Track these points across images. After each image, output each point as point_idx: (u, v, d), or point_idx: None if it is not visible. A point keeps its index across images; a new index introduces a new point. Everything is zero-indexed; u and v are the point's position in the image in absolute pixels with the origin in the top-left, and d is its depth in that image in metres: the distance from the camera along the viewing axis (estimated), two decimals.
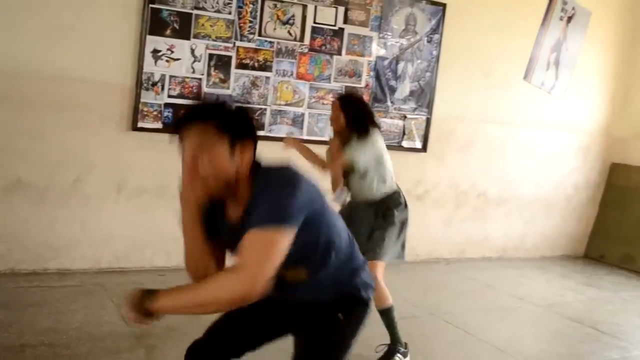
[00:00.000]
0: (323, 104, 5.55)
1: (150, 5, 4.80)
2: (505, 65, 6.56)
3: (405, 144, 6.05)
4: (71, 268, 4.77)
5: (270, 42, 5.28)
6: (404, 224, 4.08)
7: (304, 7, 5.38)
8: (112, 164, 4.85)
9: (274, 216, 1.84)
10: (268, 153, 5.65)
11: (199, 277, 2.10)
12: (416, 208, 6.20)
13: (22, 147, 4.53)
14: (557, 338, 4.77)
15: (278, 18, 5.28)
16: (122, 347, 3.61)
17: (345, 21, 5.58)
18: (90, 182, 4.78)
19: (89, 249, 4.83)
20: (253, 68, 5.24)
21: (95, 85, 4.72)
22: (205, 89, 5.07)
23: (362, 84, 5.73)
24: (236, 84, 5.19)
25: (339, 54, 5.57)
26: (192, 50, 5.00)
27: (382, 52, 5.81)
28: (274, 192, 1.90)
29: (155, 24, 4.84)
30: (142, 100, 4.87)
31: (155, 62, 4.88)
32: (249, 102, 5.24)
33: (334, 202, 3.88)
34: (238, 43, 5.15)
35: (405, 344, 3.92)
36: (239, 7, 5.12)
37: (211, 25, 5.04)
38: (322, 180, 2.71)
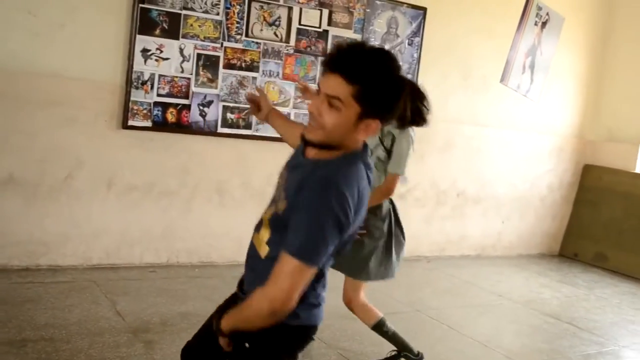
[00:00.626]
0: (308, 104, 5.63)
1: (140, 5, 4.86)
2: (483, 68, 6.75)
3: None
4: (62, 264, 4.80)
5: (257, 42, 5.37)
6: (389, 236, 3.56)
7: (290, 9, 5.48)
8: (102, 162, 4.89)
9: (305, 251, 1.81)
10: (255, 152, 5.78)
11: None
12: (398, 206, 6.36)
13: (14, 144, 4.55)
14: (537, 333, 4.93)
15: (264, 19, 5.38)
16: (121, 341, 3.67)
17: (330, 23, 5.69)
18: (81, 179, 4.81)
19: (80, 245, 4.87)
20: (240, 68, 5.32)
21: (86, 83, 4.77)
22: (193, 88, 5.14)
23: None
24: (224, 84, 5.26)
25: (324, 55, 5.68)
26: (181, 50, 5.07)
27: None
28: (313, 212, 1.82)
29: (144, 23, 4.90)
30: (132, 98, 4.92)
31: (145, 61, 4.94)
32: (235, 102, 5.32)
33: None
34: (226, 43, 5.23)
35: (419, 352, 3.68)
36: (227, 8, 5.20)
37: (199, 26, 5.11)
38: None
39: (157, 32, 4.96)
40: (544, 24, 7.12)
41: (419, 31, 6.21)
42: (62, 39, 4.66)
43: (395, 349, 3.71)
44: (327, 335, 4.18)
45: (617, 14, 7.58)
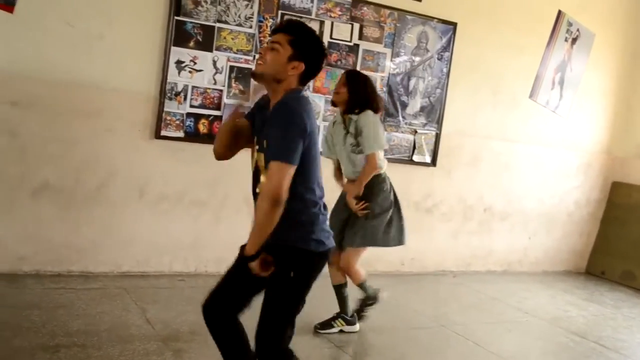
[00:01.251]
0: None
1: (175, 18, 4.95)
2: (512, 84, 6.75)
3: (415, 158, 6.20)
4: (94, 271, 4.90)
5: None
6: (390, 209, 4.33)
7: (322, 22, 5.55)
8: (135, 171, 4.97)
9: (282, 153, 2.51)
10: None
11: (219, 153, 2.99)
12: (424, 221, 6.40)
13: (51, 152, 4.65)
14: (563, 352, 4.90)
15: None
16: (151, 349, 3.72)
17: (360, 37, 5.75)
18: (114, 188, 4.90)
19: (111, 252, 4.95)
20: None
21: (122, 93, 4.86)
22: (225, 100, 5.21)
23: None
24: (256, 96, 5.31)
25: (354, 69, 5.73)
26: (214, 62, 5.14)
27: (395, 68, 5.98)
28: (284, 123, 2.55)
29: (179, 35, 4.99)
30: (165, 109, 5.00)
31: (179, 72, 5.03)
32: None
33: None
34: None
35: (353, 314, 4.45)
36: (260, 21, 5.28)
37: (232, 38, 5.19)
38: None
39: (192, 44, 5.05)
40: (574, 40, 7.11)
41: (448, 46, 6.23)
42: (99, 50, 4.76)
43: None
44: (353, 350, 4.20)
45: None
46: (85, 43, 4.71)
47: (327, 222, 2.78)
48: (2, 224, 4.59)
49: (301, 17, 5.43)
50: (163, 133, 5.02)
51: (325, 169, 2.96)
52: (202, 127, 5.16)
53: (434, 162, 6.34)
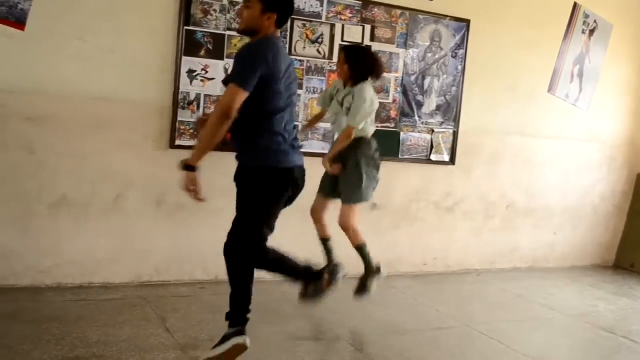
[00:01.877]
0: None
1: (185, 28, 4.98)
2: (530, 79, 6.67)
3: (433, 157, 6.15)
4: (114, 282, 4.92)
5: (300, 60, 5.43)
6: (375, 169, 4.80)
7: (332, 26, 5.53)
8: (152, 181, 5.00)
9: (236, 76, 3.20)
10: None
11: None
12: (446, 220, 6.35)
13: (66, 166, 4.70)
14: (592, 348, 4.81)
15: (307, 37, 5.44)
16: (170, 358, 3.71)
17: (372, 39, 5.72)
18: (131, 199, 4.93)
19: (131, 263, 4.98)
20: None
21: (135, 105, 4.90)
22: None
23: (390, 100, 5.86)
24: None
25: None
26: (226, 70, 5.15)
27: (409, 68, 5.94)
28: (244, 54, 3.25)
29: (190, 45, 5.01)
30: (179, 119, 5.03)
31: (191, 82, 5.05)
32: None
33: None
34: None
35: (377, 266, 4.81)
36: None
37: None
38: None
39: (202, 53, 5.07)
40: (591, 31, 7.00)
41: (462, 43, 6.18)
42: (111, 64, 4.80)
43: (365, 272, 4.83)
44: (374, 351, 4.16)
45: None
46: (96, 57, 4.75)
47: (292, 152, 3.51)
48: (22, 238, 4.64)
49: (312, 22, 5.43)
50: (178, 143, 5.04)
51: None
52: None
53: (452, 161, 6.28)
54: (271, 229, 3.63)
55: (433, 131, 6.14)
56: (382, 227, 5.95)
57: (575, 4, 6.80)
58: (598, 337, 5.00)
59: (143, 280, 5.04)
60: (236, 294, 3.70)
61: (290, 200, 3.67)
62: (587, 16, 6.91)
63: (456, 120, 6.25)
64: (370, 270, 4.79)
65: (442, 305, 5.23)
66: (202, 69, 5.08)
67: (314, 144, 5.57)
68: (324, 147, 5.58)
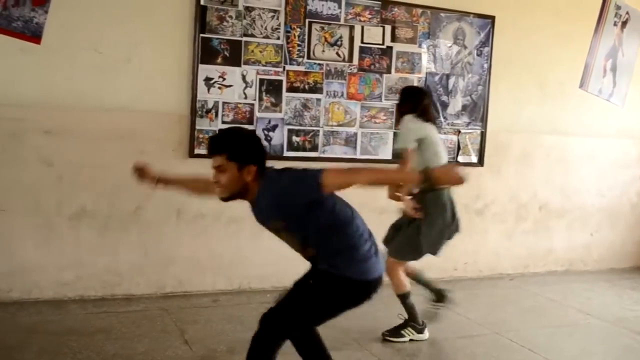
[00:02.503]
0: (375, 122, 5.56)
1: (201, 35, 4.93)
2: (560, 75, 6.46)
3: (460, 159, 5.99)
4: (136, 293, 4.90)
5: (320, 64, 5.34)
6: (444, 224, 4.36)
7: (351, 28, 5.43)
8: (171, 191, 4.94)
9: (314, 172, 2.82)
10: None
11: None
12: (476, 223, 6.17)
13: (86, 178, 4.70)
14: (628, 355, 4.58)
15: (326, 40, 5.35)
16: None
17: (393, 39, 5.60)
18: (151, 209, 4.90)
19: (153, 274, 4.95)
20: (304, 91, 5.30)
21: (152, 115, 4.87)
22: (257, 114, 5.16)
23: None
24: (288, 107, 5.26)
25: (389, 72, 5.59)
26: (243, 77, 5.10)
27: (432, 68, 5.81)
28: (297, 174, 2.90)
29: (206, 52, 4.97)
30: (197, 127, 4.99)
31: (208, 89, 5.00)
32: (300, 125, 5.30)
33: None
34: (288, 67, 5.23)
35: (423, 322, 4.39)
36: (287, 31, 5.21)
37: (260, 51, 5.14)
38: None
39: (219, 60, 5.02)
40: (624, 23, 6.76)
41: (487, 41, 6.01)
42: (128, 74, 4.79)
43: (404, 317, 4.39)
44: (398, 359, 4.04)
45: None
46: (113, 68, 4.74)
47: (367, 256, 2.91)
48: (44, 251, 4.65)
49: (330, 24, 5.34)
50: (197, 151, 4.99)
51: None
52: None
53: (480, 162, 6.11)
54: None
55: (459, 132, 5.99)
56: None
57: None
58: (636, 342, 4.77)
59: (165, 291, 5.00)
60: None
61: None
62: (618, 7, 6.68)
63: (483, 120, 6.08)
64: (412, 321, 4.37)
65: (472, 312, 5.06)
66: (219, 76, 5.03)
67: (336, 149, 5.46)
68: (345, 152, 5.48)
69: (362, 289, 2.90)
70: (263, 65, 5.16)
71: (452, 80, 5.90)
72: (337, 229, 2.86)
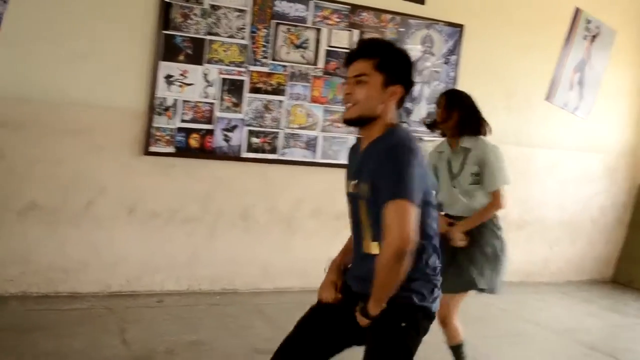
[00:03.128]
0: (337, 127, 5.54)
1: (164, 32, 4.87)
2: (527, 86, 6.47)
3: None
4: (82, 291, 4.84)
5: (284, 66, 5.31)
6: (497, 250, 3.75)
7: (318, 30, 5.40)
8: (125, 188, 4.91)
9: (403, 191, 2.14)
10: (281, 177, 5.72)
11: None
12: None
13: (38, 172, 4.63)
14: None
15: (292, 42, 5.31)
16: None
17: None
18: (102, 205, 4.85)
19: (100, 272, 4.90)
20: (266, 92, 5.26)
21: (110, 111, 4.81)
22: (217, 114, 5.11)
23: None
24: (249, 108, 5.22)
25: None
26: (205, 75, 5.05)
27: None
28: (396, 166, 2.18)
29: (168, 50, 4.91)
30: (154, 125, 4.93)
31: (168, 87, 4.95)
32: (261, 126, 5.26)
33: None
34: (251, 67, 5.19)
35: None
36: (253, 32, 5.16)
37: (224, 50, 5.09)
38: None
39: (181, 57, 4.96)
40: (594, 37, 6.78)
41: (455, 49, 6.00)
42: (86, 68, 4.72)
43: None
44: None
45: None
46: (71, 62, 4.67)
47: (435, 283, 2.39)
48: None
49: (297, 26, 5.31)
50: (152, 149, 4.94)
51: None
52: (194, 142, 5.07)
53: None
54: None
55: (422, 140, 5.98)
56: None
57: (577, 9, 6.59)
58: (580, 354, 4.83)
59: (112, 290, 4.95)
60: None
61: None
62: (589, 22, 6.69)
63: None
64: None
65: None
66: (181, 74, 4.98)
67: (296, 152, 5.44)
68: (305, 155, 5.46)
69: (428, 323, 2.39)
70: (226, 65, 5.11)
71: (417, 87, 5.89)
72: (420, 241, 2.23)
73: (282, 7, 5.25)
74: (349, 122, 2.33)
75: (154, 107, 4.92)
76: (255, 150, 5.29)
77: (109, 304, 4.72)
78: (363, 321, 2.28)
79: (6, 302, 4.54)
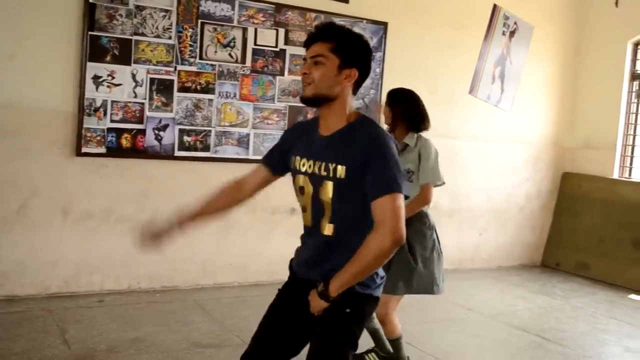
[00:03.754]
0: (268, 124, 5.65)
1: (90, 33, 4.89)
2: (450, 81, 6.72)
3: None
4: (20, 294, 4.80)
5: (212, 65, 5.39)
6: (433, 249, 3.83)
7: (244, 29, 5.50)
8: (57, 190, 4.89)
9: (395, 184, 2.23)
10: (214, 174, 5.75)
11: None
12: None
13: None
14: (501, 347, 4.84)
15: (219, 41, 5.40)
16: None
17: (287, 42, 5.70)
18: (36, 208, 4.82)
19: (37, 274, 4.86)
20: (195, 91, 5.33)
21: (38, 112, 4.80)
22: (147, 113, 5.15)
23: None
24: (179, 107, 5.27)
25: (282, 74, 5.69)
26: (133, 76, 5.08)
27: None
28: (385, 159, 2.27)
29: (95, 50, 4.93)
30: (85, 125, 4.93)
31: (97, 87, 4.96)
32: (192, 125, 5.32)
33: None
34: (179, 67, 5.25)
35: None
36: (179, 31, 5.23)
37: (151, 50, 5.14)
38: None
39: (108, 58, 4.99)
40: (512, 33, 7.10)
41: (380, 46, 6.20)
42: (12, 69, 4.70)
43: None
44: None
45: (588, 21, 7.55)
46: None
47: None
48: None
49: (223, 25, 5.40)
50: (84, 150, 4.94)
51: None
52: (125, 142, 5.09)
53: None
54: None
55: None
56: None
57: (495, 6, 6.89)
58: (510, 335, 5.05)
59: (51, 292, 4.92)
60: None
61: None
62: (507, 18, 7.01)
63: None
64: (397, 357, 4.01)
65: None
66: (109, 75, 5.00)
67: (228, 149, 5.52)
68: (238, 152, 5.54)
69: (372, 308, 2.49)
70: (154, 65, 5.16)
71: None
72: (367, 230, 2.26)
73: (207, 6, 5.33)
74: (305, 100, 2.39)
75: (84, 108, 4.92)
76: (188, 149, 5.35)
77: (48, 306, 4.69)
78: (319, 304, 2.30)
79: None
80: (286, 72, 5.70)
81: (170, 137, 5.25)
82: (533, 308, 5.86)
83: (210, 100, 5.40)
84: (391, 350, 4.03)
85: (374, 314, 3.71)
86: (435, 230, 3.88)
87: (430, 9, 6.48)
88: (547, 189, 7.66)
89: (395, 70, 6.27)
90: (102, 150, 5.01)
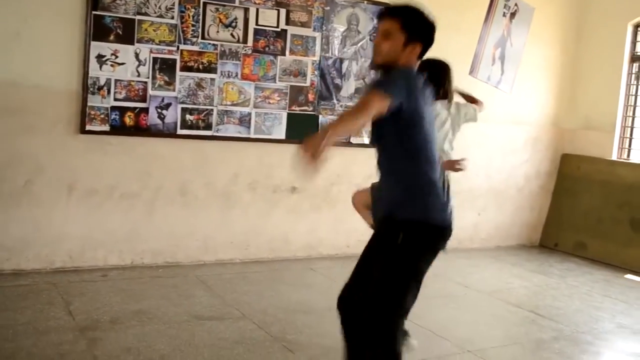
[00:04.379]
0: (269, 103, 5.73)
1: (93, 12, 4.97)
2: (451, 62, 6.74)
3: (353, 140, 6.23)
4: (26, 268, 4.92)
5: (214, 44, 5.46)
6: None
7: (246, 10, 5.56)
8: (62, 167, 5.00)
9: (380, 83, 2.62)
10: (216, 153, 5.85)
11: None
12: None
13: None
14: (495, 322, 4.94)
15: (220, 21, 5.46)
16: (65, 339, 3.75)
17: (288, 22, 5.76)
18: (41, 185, 4.93)
19: (43, 249, 4.98)
20: (198, 70, 5.41)
21: (42, 90, 4.88)
22: (150, 92, 5.23)
23: (308, 83, 5.92)
24: (181, 86, 5.35)
25: (283, 54, 5.76)
26: (137, 55, 5.16)
27: (326, 52, 6.00)
28: (397, 73, 2.65)
29: (98, 30, 5.01)
30: (89, 104, 5.03)
31: (100, 66, 5.05)
32: (194, 103, 5.41)
33: None
34: (182, 46, 5.33)
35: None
36: (181, 11, 5.30)
37: (154, 30, 5.21)
38: None
39: (112, 37, 5.07)
40: (512, 14, 7.13)
41: None
42: (17, 48, 4.78)
43: None
44: (275, 329, 4.23)
45: (588, 3, 7.57)
46: (1, 41, 4.72)
47: (449, 207, 2.88)
48: None
49: (224, 5, 5.46)
50: (88, 128, 5.04)
51: None
52: (129, 120, 5.18)
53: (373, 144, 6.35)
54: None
55: None
56: (302, 210, 6.00)
57: None
58: (505, 311, 5.15)
59: (56, 267, 5.04)
60: None
61: None
62: None
63: None
64: None
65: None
66: (112, 54, 5.08)
67: (230, 128, 5.60)
68: (239, 132, 5.63)
69: (440, 236, 2.83)
70: (157, 44, 5.23)
71: (345, 64, 6.12)
72: (419, 163, 2.71)
73: None
74: (375, 66, 2.79)
75: (88, 87, 5.01)
76: (190, 127, 5.43)
77: (53, 280, 4.81)
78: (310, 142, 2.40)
79: None
80: (287, 52, 5.77)
81: (172, 115, 5.34)
82: (529, 286, 5.95)
83: (212, 79, 5.48)
84: None
85: None
86: None
87: None
88: (546, 170, 7.72)
89: None
90: (106, 128, 5.10)
